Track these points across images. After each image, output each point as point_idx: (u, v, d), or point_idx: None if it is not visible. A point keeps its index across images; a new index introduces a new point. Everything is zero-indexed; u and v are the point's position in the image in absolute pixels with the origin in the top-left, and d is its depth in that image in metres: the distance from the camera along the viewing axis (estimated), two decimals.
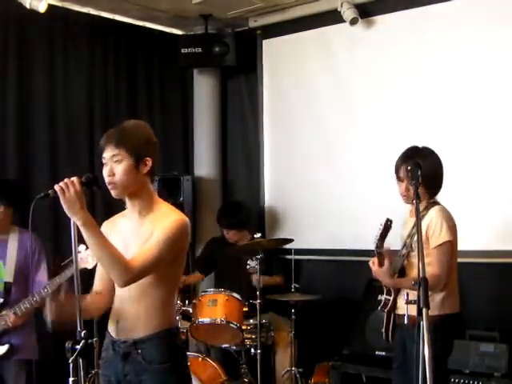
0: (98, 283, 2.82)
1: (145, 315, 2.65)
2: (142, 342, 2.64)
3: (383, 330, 3.48)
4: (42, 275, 3.95)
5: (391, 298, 3.42)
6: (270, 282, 5.10)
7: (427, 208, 3.35)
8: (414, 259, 3.34)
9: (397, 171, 3.43)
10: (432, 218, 3.31)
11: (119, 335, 2.69)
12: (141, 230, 2.66)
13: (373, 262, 3.36)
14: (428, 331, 2.35)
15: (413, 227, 3.33)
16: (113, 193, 2.64)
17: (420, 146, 3.47)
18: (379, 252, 3.32)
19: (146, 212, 2.68)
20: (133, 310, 2.66)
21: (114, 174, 2.61)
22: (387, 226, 3.33)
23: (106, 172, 2.63)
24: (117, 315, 2.71)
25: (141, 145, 2.64)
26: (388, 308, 3.44)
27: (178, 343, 2.75)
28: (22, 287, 3.87)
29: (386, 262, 3.32)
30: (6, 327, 3.77)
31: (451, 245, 3.30)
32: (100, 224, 2.76)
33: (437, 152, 3.46)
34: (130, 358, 2.65)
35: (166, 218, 2.63)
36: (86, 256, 3.47)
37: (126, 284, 2.55)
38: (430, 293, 2.54)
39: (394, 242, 3.45)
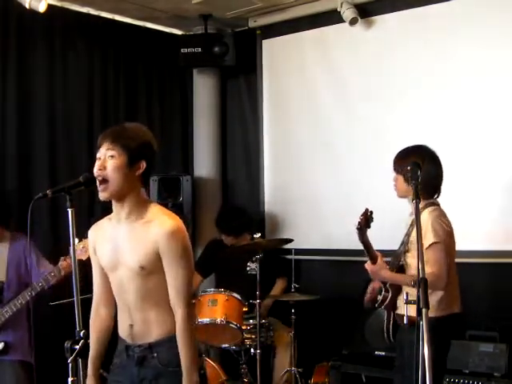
0: (98, 295, 2.80)
1: (156, 319, 2.62)
2: (157, 345, 2.61)
3: (384, 329, 3.47)
4: (45, 266, 3.94)
5: (389, 295, 3.41)
6: (278, 296, 5.12)
7: (422, 209, 3.32)
8: (409, 259, 3.37)
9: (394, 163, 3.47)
10: (422, 220, 3.24)
11: (134, 340, 2.66)
12: (133, 236, 2.60)
13: (367, 264, 3.39)
14: (428, 332, 2.34)
15: (409, 226, 3.37)
16: (102, 195, 2.55)
17: (423, 145, 3.45)
18: (364, 242, 3.35)
19: (135, 216, 2.60)
20: (143, 316, 2.63)
21: (105, 168, 2.53)
22: (367, 216, 3.35)
23: (96, 167, 2.55)
24: (129, 320, 2.66)
25: (137, 145, 2.58)
26: (386, 305, 3.42)
27: None
28: (15, 286, 3.89)
29: (379, 258, 3.35)
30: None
31: (440, 245, 3.26)
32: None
33: (437, 152, 3.43)
34: (145, 362, 2.63)
35: (160, 226, 2.55)
36: (80, 248, 3.47)
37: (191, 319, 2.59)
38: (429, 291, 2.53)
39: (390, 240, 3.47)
